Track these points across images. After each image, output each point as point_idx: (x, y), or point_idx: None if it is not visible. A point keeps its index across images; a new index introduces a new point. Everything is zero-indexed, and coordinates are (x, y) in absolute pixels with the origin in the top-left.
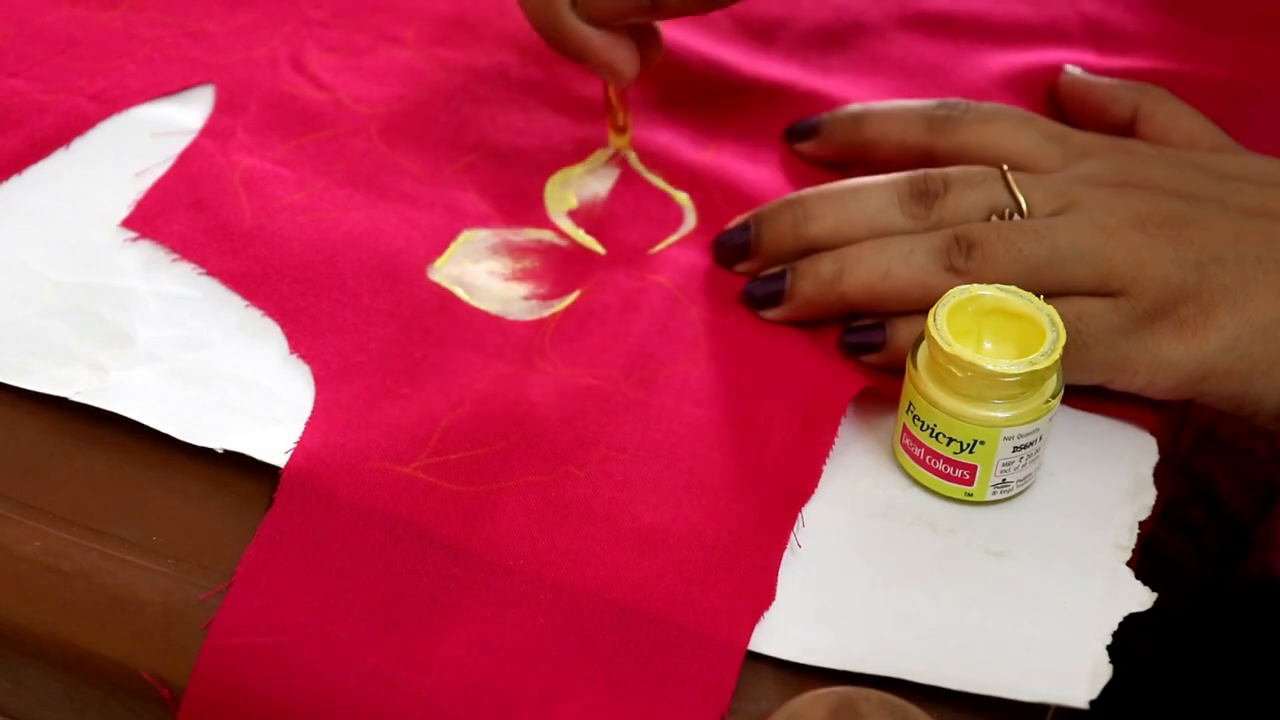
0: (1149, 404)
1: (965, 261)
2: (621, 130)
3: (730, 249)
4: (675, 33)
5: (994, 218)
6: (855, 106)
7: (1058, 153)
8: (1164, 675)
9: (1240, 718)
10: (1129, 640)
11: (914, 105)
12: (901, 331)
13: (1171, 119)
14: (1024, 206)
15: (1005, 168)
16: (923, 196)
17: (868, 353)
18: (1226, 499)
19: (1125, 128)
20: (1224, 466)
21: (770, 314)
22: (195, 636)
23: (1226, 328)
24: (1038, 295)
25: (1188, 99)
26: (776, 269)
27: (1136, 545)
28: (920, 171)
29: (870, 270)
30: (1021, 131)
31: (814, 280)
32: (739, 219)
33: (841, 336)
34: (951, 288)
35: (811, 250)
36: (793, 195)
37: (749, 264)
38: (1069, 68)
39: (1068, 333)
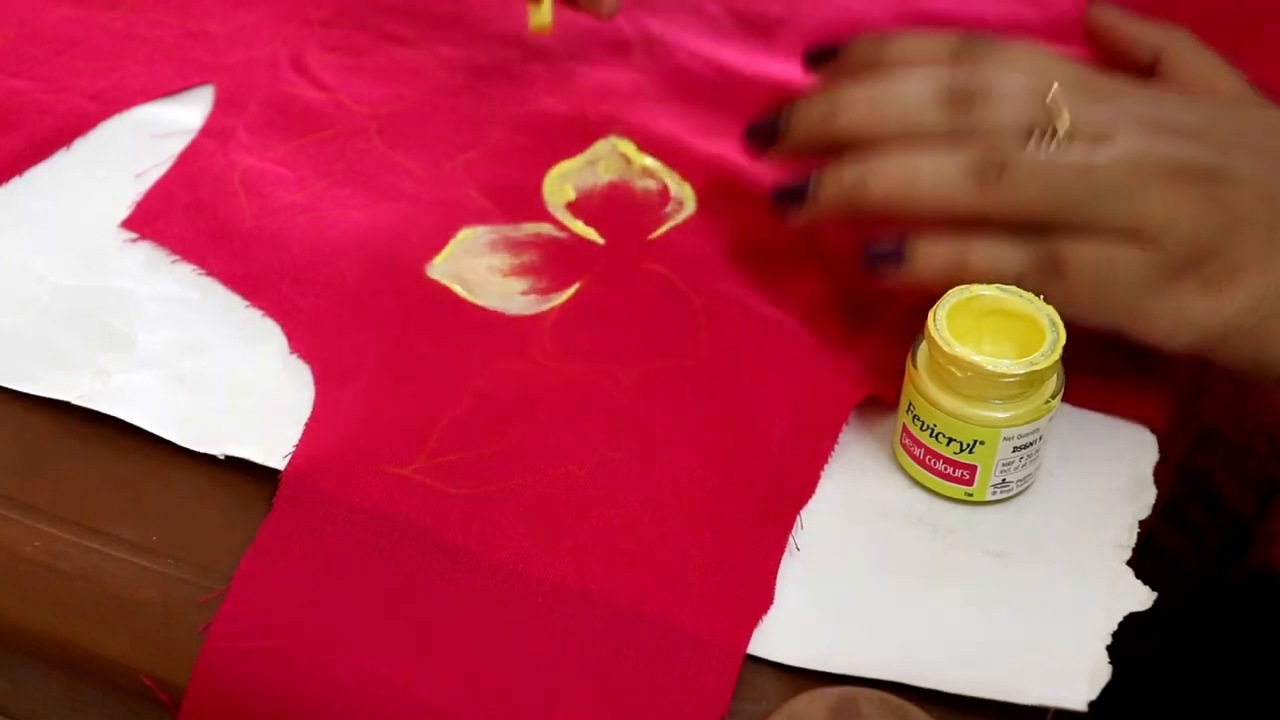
0: (1149, 403)
1: (995, 185)
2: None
3: (760, 132)
4: (676, 32)
5: (1027, 137)
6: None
7: (1085, 94)
8: (1164, 675)
9: (1241, 717)
10: (1130, 640)
11: (939, 39)
12: (921, 252)
13: (1195, 64)
14: (1059, 131)
15: (1055, 85)
16: (962, 100)
17: (886, 268)
18: (1227, 497)
19: (1147, 70)
20: (1224, 464)
21: (794, 216)
22: (195, 637)
23: (1253, 289)
24: (1063, 228)
25: None
26: (801, 178)
27: (1136, 545)
28: (964, 70)
29: (895, 181)
30: (1050, 70)
31: (837, 185)
32: (767, 113)
33: (862, 253)
34: (975, 206)
35: (840, 141)
36: (826, 89)
37: (776, 149)
38: (1094, 6)
39: (1096, 277)
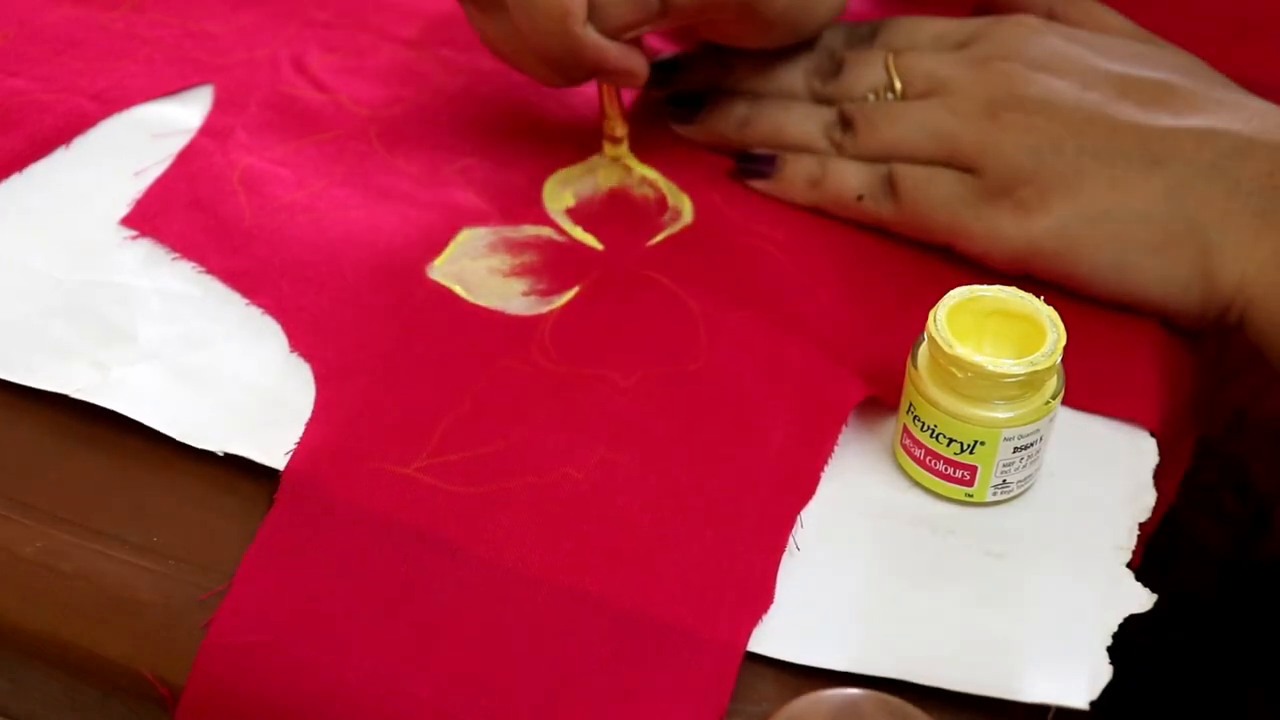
0: (1147, 406)
1: (841, 135)
2: (618, 140)
3: (652, 78)
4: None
5: (872, 95)
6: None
7: (935, 49)
8: (1198, 661)
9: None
10: (1164, 628)
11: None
12: (789, 164)
13: (1084, 15)
14: (897, 87)
15: (891, 51)
16: (821, 72)
17: (758, 173)
18: (1257, 482)
19: None
20: (1255, 451)
21: (679, 128)
22: (195, 636)
23: (1056, 212)
24: (900, 162)
25: None
26: (697, 95)
27: (1138, 547)
28: (826, 51)
29: (771, 124)
30: (915, 34)
31: (724, 117)
32: (664, 56)
33: (736, 164)
34: (829, 153)
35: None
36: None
37: (670, 84)
38: None
39: (920, 195)
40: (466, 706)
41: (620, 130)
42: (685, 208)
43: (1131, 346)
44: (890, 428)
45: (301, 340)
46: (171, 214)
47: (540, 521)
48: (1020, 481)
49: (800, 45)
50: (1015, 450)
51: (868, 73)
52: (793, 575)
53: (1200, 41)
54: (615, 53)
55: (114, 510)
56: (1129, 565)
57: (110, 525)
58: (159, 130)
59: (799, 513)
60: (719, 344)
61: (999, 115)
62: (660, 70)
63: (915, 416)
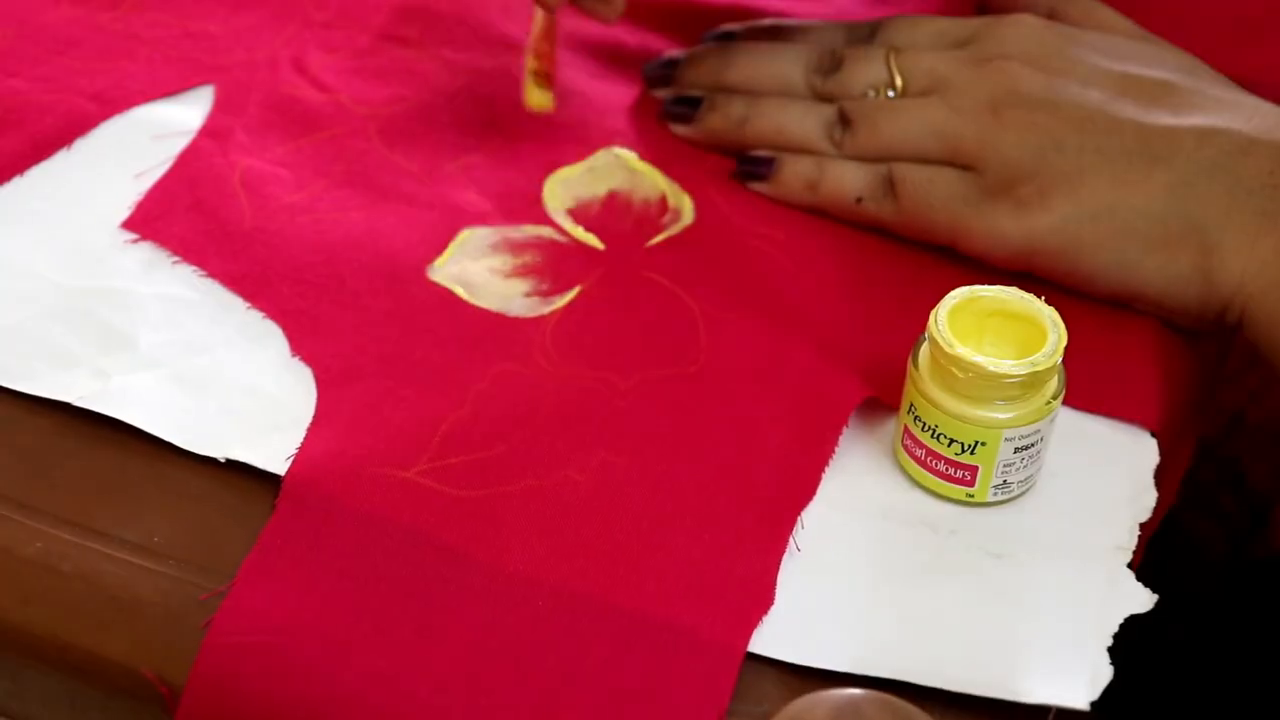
0: (1148, 406)
1: (842, 134)
2: (542, 79)
3: (654, 70)
4: (678, 43)
5: (872, 92)
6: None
7: (937, 46)
8: (1198, 660)
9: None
10: (1157, 629)
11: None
12: (787, 165)
13: (1084, 15)
14: (898, 84)
15: (891, 48)
16: (821, 69)
17: (756, 175)
18: (1254, 482)
19: None
20: (1252, 451)
21: (677, 129)
22: (195, 637)
23: (1057, 210)
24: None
25: None
26: (695, 93)
27: (1138, 547)
28: (827, 48)
29: (770, 122)
30: (914, 33)
31: (723, 117)
32: (665, 56)
33: (736, 166)
34: (828, 150)
35: (721, 89)
36: (721, 44)
37: (665, 91)
38: None
39: (920, 194)
40: (466, 707)
41: (540, 66)
42: (686, 208)
43: (1132, 347)
44: (890, 428)
45: (302, 344)
46: (172, 217)
47: (541, 524)
48: (1021, 482)
49: (799, 43)
50: (1016, 450)
51: (868, 70)
52: (793, 576)
53: (1200, 41)
54: None
55: (114, 510)
56: (1129, 565)
57: (110, 525)
58: (159, 131)
59: (799, 513)
60: (719, 345)
61: (1000, 113)
62: (660, 70)
63: (916, 417)
